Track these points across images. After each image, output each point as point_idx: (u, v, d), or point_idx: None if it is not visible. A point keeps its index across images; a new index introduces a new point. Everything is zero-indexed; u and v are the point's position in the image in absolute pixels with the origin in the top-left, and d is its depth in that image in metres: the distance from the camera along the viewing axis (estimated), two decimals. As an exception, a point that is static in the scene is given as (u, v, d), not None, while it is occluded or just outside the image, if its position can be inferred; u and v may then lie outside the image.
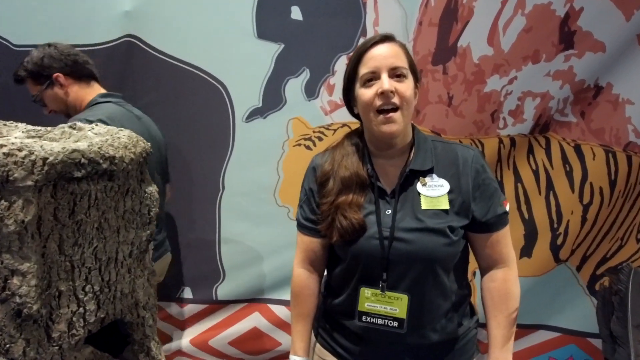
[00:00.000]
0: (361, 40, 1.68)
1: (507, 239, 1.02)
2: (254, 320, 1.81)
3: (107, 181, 0.69)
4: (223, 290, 1.82)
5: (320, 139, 1.76)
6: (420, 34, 1.69)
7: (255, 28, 1.70)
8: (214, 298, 1.83)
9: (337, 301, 1.05)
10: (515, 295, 1.01)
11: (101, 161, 0.68)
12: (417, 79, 1.01)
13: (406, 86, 0.95)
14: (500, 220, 0.99)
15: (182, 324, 1.87)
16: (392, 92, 0.92)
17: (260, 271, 1.81)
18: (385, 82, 0.93)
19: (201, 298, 1.84)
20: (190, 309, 1.84)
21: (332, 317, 1.08)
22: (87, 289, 0.71)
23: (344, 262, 1.02)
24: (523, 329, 1.74)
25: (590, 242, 1.68)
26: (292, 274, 1.10)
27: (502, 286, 1.00)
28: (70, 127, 0.79)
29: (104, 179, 0.68)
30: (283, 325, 1.82)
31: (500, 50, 1.64)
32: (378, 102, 0.93)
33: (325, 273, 1.14)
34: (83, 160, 0.66)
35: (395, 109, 0.94)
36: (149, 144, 0.81)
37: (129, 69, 1.75)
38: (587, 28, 1.57)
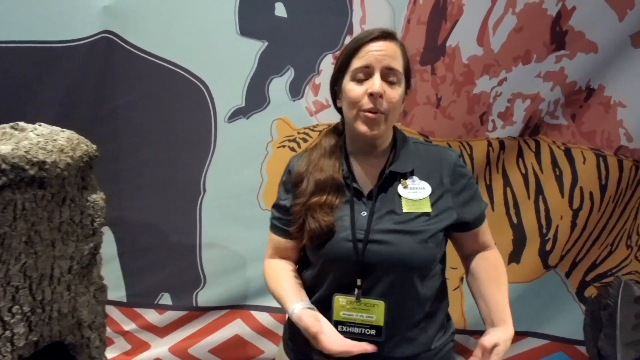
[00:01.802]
0: (348, 39, 1.55)
1: (487, 225, 0.99)
2: (236, 327, 1.68)
3: (38, 189, 0.57)
4: (204, 297, 1.69)
5: (305, 140, 1.66)
6: (409, 33, 1.59)
7: (238, 25, 1.57)
8: (194, 304, 1.69)
9: None
10: (505, 273, 0.97)
11: (27, 167, 0.55)
12: (408, 85, 0.94)
13: (396, 92, 0.88)
14: (483, 215, 0.97)
15: (161, 332, 1.72)
16: (380, 95, 0.86)
17: (243, 277, 1.70)
18: (377, 83, 0.86)
19: (181, 304, 1.70)
20: (169, 315, 1.70)
21: (299, 330, 0.96)
22: (14, 310, 0.59)
23: (315, 266, 0.94)
24: (511, 336, 1.68)
25: (579, 247, 1.57)
26: (263, 264, 1.03)
27: (495, 262, 0.97)
28: (12, 127, 0.69)
29: (33, 187, 0.56)
30: (266, 333, 1.70)
31: (490, 50, 1.53)
32: (366, 104, 0.87)
33: None
34: (4, 166, 0.53)
35: (380, 112, 0.87)
36: (94, 146, 0.71)
37: (108, 66, 1.60)
38: (579, 28, 1.47)
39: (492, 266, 0.96)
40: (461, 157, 0.97)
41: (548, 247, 1.58)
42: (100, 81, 1.62)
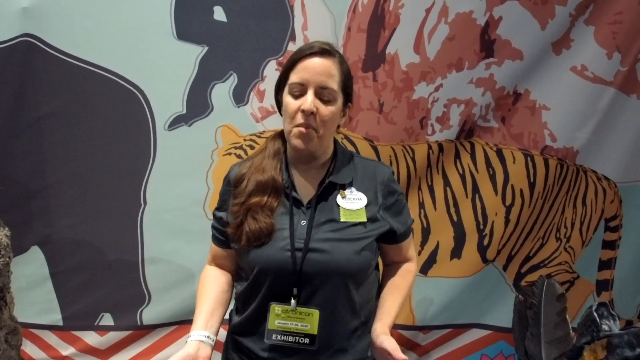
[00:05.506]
0: (291, 45, 1.38)
1: (412, 241, 0.99)
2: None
3: None
4: (149, 314, 1.43)
5: (252, 147, 1.47)
6: (350, 40, 1.47)
7: (175, 28, 1.36)
8: (139, 323, 1.43)
9: (239, 319, 0.89)
10: (412, 284, 0.97)
11: None
12: (349, 99, 0.90)
13: (329, 110, 0.84)
14: (409, 230, 0.97)
15: (103, 354, 1.44)
16: (312, 112, 0.82)
17: (192, 290, 1.46)
18: (308, 101, 0.82)
19: (124, 324, 1.43)
20: (111, 337, 1.43)
21: (236, 342, 0.90)
22: None
23: (248, 279, 0.86)
24: (457, 328, 1.53)
25: (514, 241, 1.51)
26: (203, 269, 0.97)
27: (406, 273, 0.97)
28: None
29: None
30: (218, 346, 1.52)
31: (426, 58, 1.44)
32: (299, 119, 0.83)
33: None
34: None
35: (312, 128, 0.83)
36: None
37: (29, 72, 1.31)
38: (506, 37, 1.41)
39: (399, 275, 0.96)
40: (394, 173, 0.96)
41: (485, 242, 1.52)
42: (20, 89, 1.33)
